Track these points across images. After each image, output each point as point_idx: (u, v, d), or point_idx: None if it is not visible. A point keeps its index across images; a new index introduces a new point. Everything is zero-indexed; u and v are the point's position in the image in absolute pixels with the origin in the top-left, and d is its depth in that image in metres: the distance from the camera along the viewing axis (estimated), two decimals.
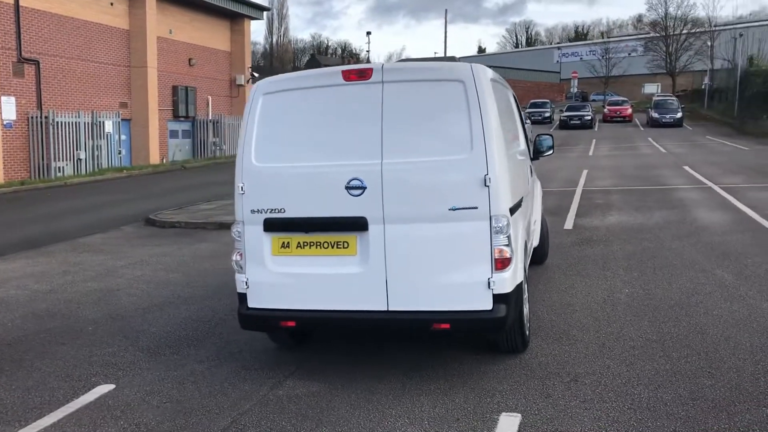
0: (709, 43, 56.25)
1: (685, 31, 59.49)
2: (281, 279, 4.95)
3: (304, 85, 5.03)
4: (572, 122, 43.02)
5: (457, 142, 4.66)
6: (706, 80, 55.54)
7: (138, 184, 21.82)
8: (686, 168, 19.95)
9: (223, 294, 7.60)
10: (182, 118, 30.20)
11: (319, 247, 4.89)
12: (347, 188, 4.75)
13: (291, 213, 4.89)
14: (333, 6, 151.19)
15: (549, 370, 5.01)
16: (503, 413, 4.35)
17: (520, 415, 4.31)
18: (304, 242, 4.92)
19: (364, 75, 4.81)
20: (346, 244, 4.83)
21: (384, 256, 4.72)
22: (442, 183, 4.66)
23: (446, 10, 56.88)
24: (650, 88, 61.32)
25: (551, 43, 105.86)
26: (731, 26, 56.80)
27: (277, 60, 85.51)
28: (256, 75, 34.48)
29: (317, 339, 5.90)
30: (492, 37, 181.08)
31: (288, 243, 4.96)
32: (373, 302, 4.77)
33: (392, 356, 5.40)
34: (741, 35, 43.93)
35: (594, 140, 34.29)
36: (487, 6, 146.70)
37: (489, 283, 4.61)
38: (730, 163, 21.32)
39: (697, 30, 58.66)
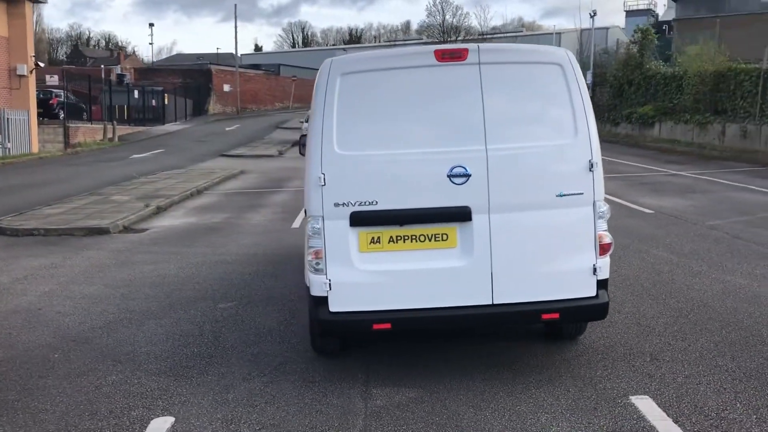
0: None
1: (460, 38, 63.96)
2: (372, 278, 4.50)
3: (389, 65, 4.60)
4: None
5: (560, 126, 4.57)
6: None
7: None
8: None
9: (185, 305, 6.74)
10: None
11: (414, 240, 4.52)
12: (449, 176, 4.44)
13: (384, 205, 4.46)
14: None
15: (629, 351, 5.11)
16: (631, 396, 4.36)
17: (646, 396, 4.35)
18: (397, 236, 4.51)
19: (459, 56, 4.52)
20: (445, 236, 4.52)
21: (489, 247, 4.48)
22: (550, 169, 4.54)
23: (235, 5, 55.31)
24: None
25: (327, 44, 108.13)
26: (498, 35, 62.24)
27: None
28: (41, 64, 30.91)
29: (354, 344, 5.42)
30: (268, 36, 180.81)
31: (378, 238, 4.51)
32: (477, 297, 4.51)
33: (456, 353, 5.16)
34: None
35: None
36: (262, 6, 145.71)
37: (594, 269, 4.58)
38: None
39: (471, 38, 63.38)
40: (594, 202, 4.57)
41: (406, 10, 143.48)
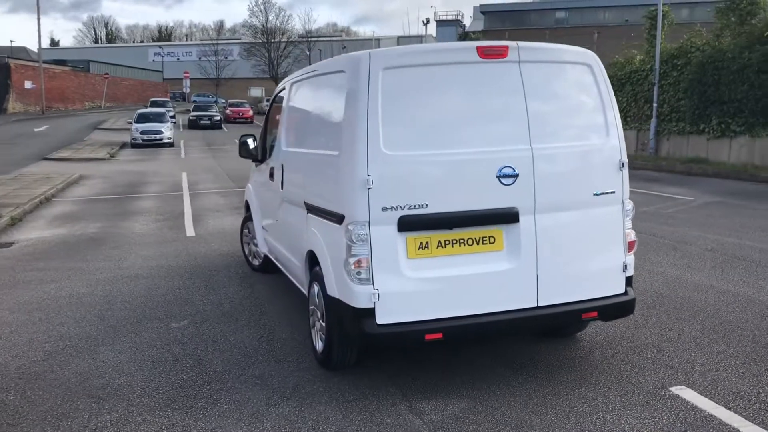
0: (307, 52, 61.18)
1: (284, 40, 63.69)
2: (421, 286, 4.24)
3: (432, 60, 4.36)
4: (202, 122, 42.72)
5: (594, 126, 4.61)
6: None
7: None
8: None
9: (130, 327, 6.01)
10: None
11: (462, 244, 4.34)
12: (498, 177, 4.32)
13: (434, 208, 4.23)
14: None
15: (635, 346, 5.28)
16: (670, 387, 4.50)
17: (683, 386, 4.52)
18: (445, 241, 4.30)
19: (500, 53, 4.41)
20: (492, 239, 4.38)
21: (535, 249, 4.42)
22: (587, 168, 4.57)
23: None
24: (255, 92, 64.13)
25: (134, 41, 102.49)
26: (324, 38, 62.71)
27: None
28: None
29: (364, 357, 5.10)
30: (66, 31, 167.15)
31: (427, 243, 4.27)
32: (523, 300, 4.43)
33: (476, 357, 5.04)
34: (344, 48, 48.96)
35: (236, 141, 34.57)
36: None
37: (624, 266, 4.68)
38: None
39: (296, 39, 63.35)
40: (623, 200, 4.66)
41: (216, 9, 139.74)
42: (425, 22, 36.52)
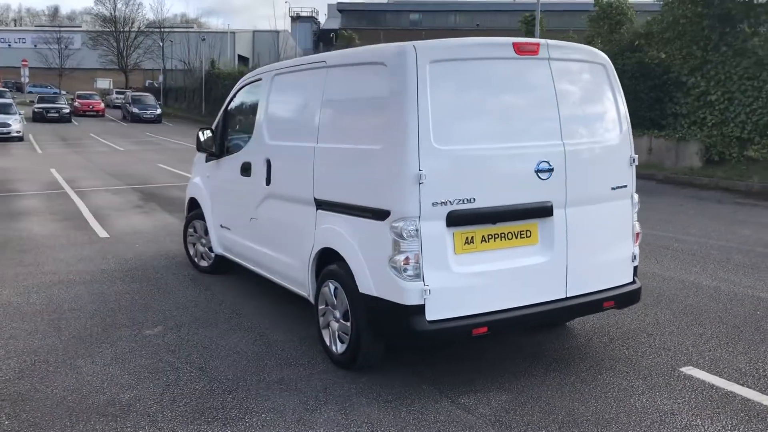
0: (160, 43, 58.43)
1: (135, 29, 60.38)
2: (468, 281, 4.25)
3: (472, 54, 4.36)
4: (50, 115, 39.61)
5: (611, 123, 4.83)
6: (161, 78, 57.74)
7: None
8: None
9: (98, 337, 5.51)
10: None
11: (503, 239, 4.39)
12: (537, 172, 4.41)
13: (481, 203, 4.25)
14: None
15: (624, 332, 5.59)
16: (680, 368, 4.82)
17: (691, 366, 4.86)
18: (488, 235, 4.34)
19: (533, 50, 4.49)
20: (528, 233, 4.47)
21: (566, 242, 4.56)
22: (606, 163, 4.77)
23: None
24: (103, 83, 60.41)
25: None
26: (178, 29, 60.18)
27: None
28: None
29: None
30: None
31: (472, 238, 4.28)
32: (554, 291, 4.56)
33: (489, 351, 5.11)
34: (203, 39, 47.29)
35: (93, 135, 32.56)
36: None
37: (633, 257, 4.95)
38: None
39: (148, 29, 60.24)
40: (632, 194, 4.92)
41: None
42: (294, 16, 35.98)
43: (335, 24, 77.24)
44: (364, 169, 4.43)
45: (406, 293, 4.11)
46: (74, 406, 4.29)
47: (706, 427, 3.98)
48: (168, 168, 18.86)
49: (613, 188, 4.78)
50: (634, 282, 4.96)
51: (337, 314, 4.78)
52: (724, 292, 6.68)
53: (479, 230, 4.28)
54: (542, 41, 4.57)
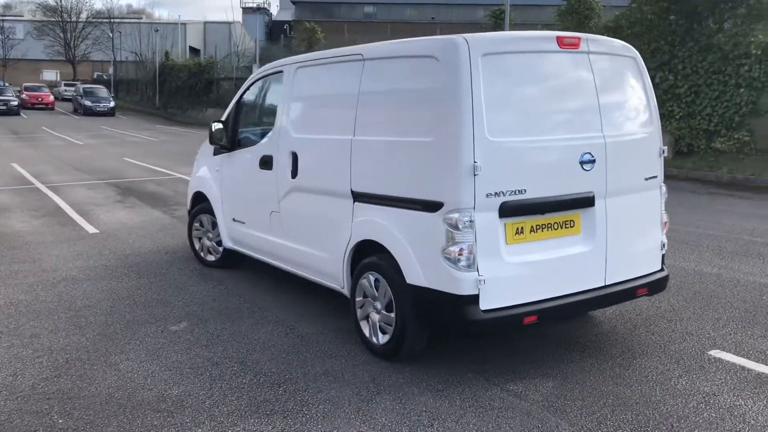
0: (109, 34, 56.95)
1: (82, 19, 58.68)
2: (518, 270, 4.34)
3: (520, 48, 4.44)
4: None
5: (643, 115, 4.97)
6: (111, 70, 56.32)
7: None
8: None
9: (122, 334, 5.41)
10: None
11: (550, 229, 4.50)
12: (581, 163, 4.52)
13: (531, 194, 4.34)
14: None
15: (648, 317, 5.77)
16: (709, 352, 5.01)
17: (718, 350, 5.05)
18: (537, 226, 4.43)
19: (575, 43, 4.60)
20: (572, 223, 4.59)
21: (606, 231, 4.69)
22: (640, 155, 4.91)
23: None
24: (49, 75, 58.60)
25: None
26: (127, 20, 58.74)
27: None
28: None
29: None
30: None
31: (522, 228, 4.38)
32: (595, 280, 4.69)
33: (521, 339, 5.21)
34: (157, 30, 46.31)
35: (46, 128, 31.63)
36: None
37: (662, 245, 5.12)
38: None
39: (97, 19, 58.61)
40: (660, 184, 5.09)
41: None
42: (256, 8, 35.57)
43: (288, 15, 76.56)
44: (412, 162, 4.46)
45: (461, 283, 4.17)
46: (124, 402, 4.23)
47: (749, 406, 4.16)
48: (136, 162, 18.49)
49: (645, 179, 4.93)
50: (662, 269, 5.13)
51: (379, 305, 4.81)
52: (727, 278, 6.94)
53: (529, 221, 4.37)
54: (582, 35, 4.68)
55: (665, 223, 5.17)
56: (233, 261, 7.22)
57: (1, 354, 5.00)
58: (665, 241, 5.15)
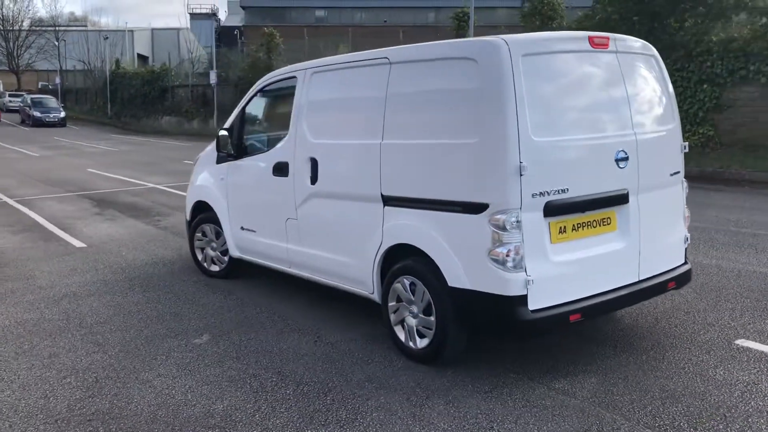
0: (55, 42, 55.43)
1: (25, 28, 56.97)
2: (563, 269, 4.38)
3: (556, 48, 4.49)
4: None
5: (666, 112, 5.07)
6: (57, 80, 54.81)
7: None
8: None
9: (145, 349, 5.25)
10: None
11: (589, 227, 4.55)
12: (616, 161, 4.59)
13: (573, 193, 4.38)
14: None
15: (665, 309, 5.88)
16: (735, 341, 5.14)
17: (743, 339, 5.18)
18: (577, 224, 4.48)
19: (605, 43, 4.67)
20: (608, 221, 4.65)
21: (639, 227, 4.77)
22: (666, 151, 5.02)
23: None
24: None
25: None
26: (73, 28, 57.29)
27: None
28: None
29: None
30: None
31: (565, 227, 4.42)
32: (630, 275, 4.76)
33: (547, 338, 5.26)
34: (107, 38, 45.30)
35: None
36: None
37: (686, 239, 5.23)
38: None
39: (41, 28, 56.96)
40: (682, 179, 5.20)
41: None
42: (207, 13, 35.00)
43: (237, 21, 75.78)
44: (451, 164, 4.45)
45: (510, 284, 4.18)
46: (171, 420, 4.12)
47: None
48: (101, 173, 18.04)
49: (671, 174, 5.03)
50: (686, 263, 5.24)
51: (415, 309, 4.79)
52: (728, 269, 7.13)
53: (571, 219, 4.42)
54: (610, 35, 4.75)
55: (687, 217, 5.28)
56: (237, 271, 7.11)
57: (24, 375, 4.81)
58: (688, 235, 5.27)
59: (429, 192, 4.61)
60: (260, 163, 6.28)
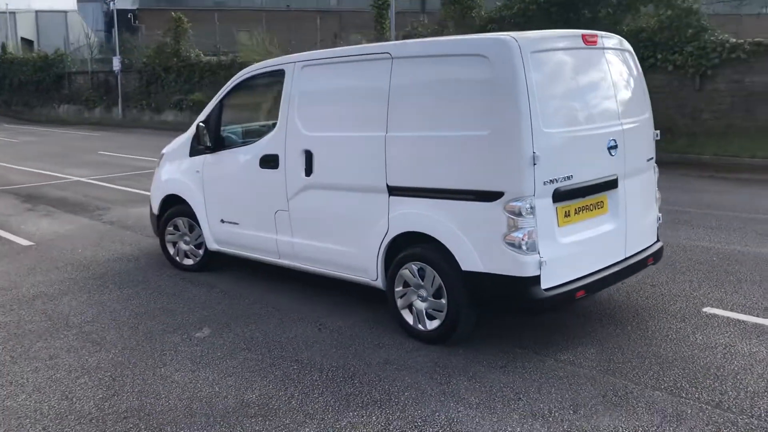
0: None
1: None
2: (569, 250, 4.76)
3: (556, 45, 4.84)
4: None
5: (642, 102, 5.52)
6: None
7: None
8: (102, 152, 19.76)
9: (148, 342, 5.26)
10: None
11: (587, 210, 4.94)
12: (609, 149, 4.99)
13: (576, 179, 4.75)
14: None
15: (631, 283, 6.39)
16: (703, 309, 5.69)
17: (709, 307, 5.75)
18: (578, 208, 4.86)
19: (594, 40, 5.05)
20: (601, 204, 5.05)
21: (625, 209, 5.21)
22: (643, 138, 5.47)
23: None
24: None
25: None
26: None
27: None
28: None
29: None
30: None
31: (569, 211, 4.79)
32: (619, 253, 5.20)
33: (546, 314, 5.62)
34: None
35: None
36: None
37: (658, 218, 5.74)
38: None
39: None
40: (654, 164, 5.69)
41: None
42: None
43: (129, 4, 72.67)
44: (463, 154, 4.70)
45: (526, 266, 4.50)
46: (209, 412, 4.19)
47: (765, 353, 4.83)
48: (12, 166, 17.09)
49: (647, 160, 5.50)
50: (658, 240, 5.74)
51: (424, 293, 5.03)
52: (674, 244, 7.77)
53: (573, 204, 4.78)
54: (598, 33, 5.14)
55: (658, 198, 5.78)
56: (212, 264, 7.11)
57: (33, 378, 4.72)
58: (660, 215, 5.77)
59: (439, 181, 4.85)
60: (244, 156, 6.31)
